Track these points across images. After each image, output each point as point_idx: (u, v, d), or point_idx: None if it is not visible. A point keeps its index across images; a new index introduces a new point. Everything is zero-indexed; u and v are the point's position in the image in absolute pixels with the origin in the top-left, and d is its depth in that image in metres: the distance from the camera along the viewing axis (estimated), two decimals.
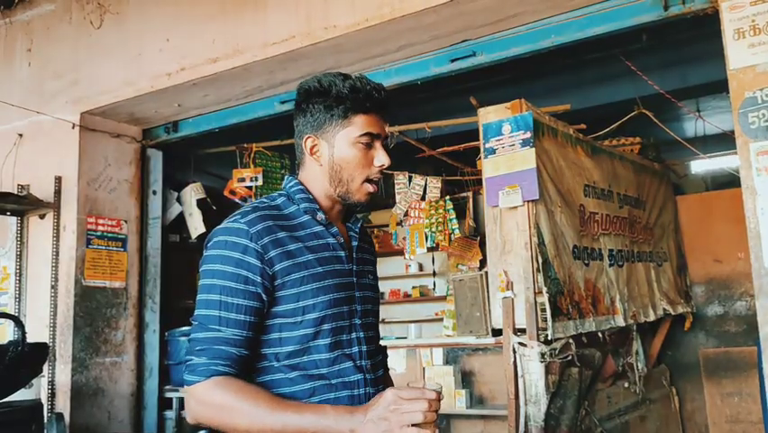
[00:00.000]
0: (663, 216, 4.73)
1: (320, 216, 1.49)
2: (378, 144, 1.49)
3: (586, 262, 3.63)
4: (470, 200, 5.30)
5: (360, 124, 1.47)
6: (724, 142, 4.76)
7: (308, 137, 1.50)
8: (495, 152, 3.24)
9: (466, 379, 3.92)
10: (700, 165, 6.21)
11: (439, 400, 1.28)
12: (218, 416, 1.32)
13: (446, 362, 3.96)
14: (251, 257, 1.37)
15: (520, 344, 3.15)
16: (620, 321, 3.78)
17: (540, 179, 3.20)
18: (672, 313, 4.44)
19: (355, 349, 1.45)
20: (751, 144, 2.35)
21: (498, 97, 3.32)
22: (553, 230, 3.35)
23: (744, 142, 2.37)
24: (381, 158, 1.49)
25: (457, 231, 4.87)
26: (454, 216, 4.89)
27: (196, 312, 1.37)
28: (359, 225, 1.57)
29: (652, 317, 4.18)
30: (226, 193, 4.68)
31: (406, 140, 4.65)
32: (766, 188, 2.30)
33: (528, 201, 3.16)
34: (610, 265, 3.86)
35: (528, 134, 3.13)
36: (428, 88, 3.81)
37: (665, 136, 4.68)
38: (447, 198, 4.95)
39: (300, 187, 1.50)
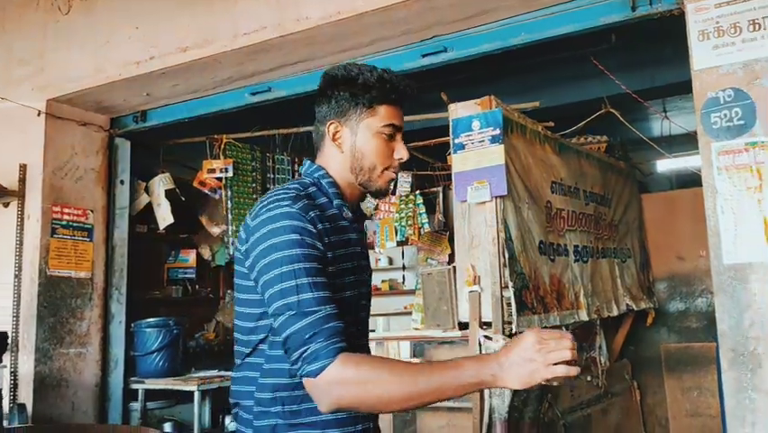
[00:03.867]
0: (628, 213, 4.82)
1: (347, 212, 1.49)
2: (398, 137, 1.51)
3: (552, 257, 3.68)
4: (441, 195, 5.34)
5: (384, 115, 1.48)
6: (689, 142, 4.86)
7: (332, 123, 1.50)
8: (464, 148, 3.26)
9: None
10: (666, 164, 6.34)
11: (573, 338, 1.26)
12: (361, 392, 1.27)
13: (413, 354, 3.99)
14: (317, 240, 1.36)
15: (486, 337, 3.19)
16: (584, 316, 3.85)
17: (508, 175, 3.24)
18: (635, 309, 4.53)
19: (355, 342, 1.46)
20: (713, 144, 2.41)
21: (469, 94, 3.34)
22: (521, 226, 3.40)
23: (706, 142, 2.42)
24: (401, 151, 1.51)
25: (427, 225, 4.91)
26: (424, 210, 4.93)
27: (284, 302, 1.31)
28: (364, 222, 1.60)
29: (615, 313, 4.26)
30: (196, 184, 4.64)
31: None
32: (726, 187, 2.36)
33: (496, 197, 3.20)
34: (575, 261, 3.92)
35: (497, 131, 3.17)
36: None
37: (632, 135, 4.76)
38: (417, 192, 4.98)
39: (330, 179, 1.50)
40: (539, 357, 1.22)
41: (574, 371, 1.23)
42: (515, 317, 3.19)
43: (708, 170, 2.40)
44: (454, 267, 3.51)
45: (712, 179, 2.38)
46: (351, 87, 1.48)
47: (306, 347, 1.27)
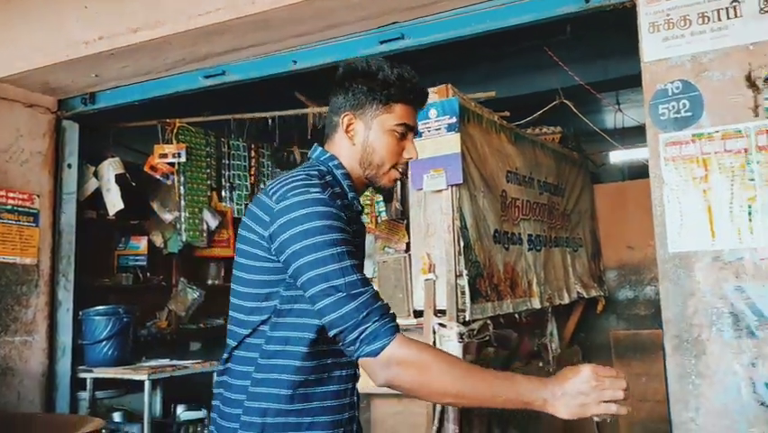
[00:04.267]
0: (581, 203, 4.91)
1: (357, 205, 1.53)
2: (410, 136, 1.53)
3: (506, 246, 3.73)
4: (398, 183, 5.33)
5: (399, 113, 1.50)
6: (641, 134, 4.94)
7: (346, 114, 1.51)
8: (421, 136, 3.27)
9: None
10: (618, 156, 6.46)
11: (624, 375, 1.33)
12: (418, 375, 1.30)
13: None
14: (347, 226, 1.39)
15: (440, 325, 3.21)
16: (536, 303, 3.91)
17: (464, 163, 3.26)
18: (586, 296, 4.63)
19: None
20: (660, 135, 2.45)
21: (428, 82, 3.32)
22: (476, 214, 3.43)
23: (654, 133, 2.47)
24: (411, 151, 1.53)
25: (384, 214, 4.90)
26: (381, 198, 4.91)
27: (330, 284, 1.32)
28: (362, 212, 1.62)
29: (566, 300, 4.35)
30: (147, 169, 4.52)
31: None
32: (673, 177, 2.41)
33: (452, 185, 3.22)
34: (529, 250, 3.98)
35: (454, 119, 3.18)
36: None
37: (586, 127, 4.84)
38: None
39: (344, 171, 1.51)
40: (593, 393, 1.28)
41: (624, 410, 1.29)
42: (468, 304, 3.23)
43: (656, 160, 2.44)
44: (410, 255, 3.52)
45: (659, 169, 2.43)
46: (369, 82, 1.50)
47: (363, 327, 1.30)
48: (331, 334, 1.34)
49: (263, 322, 1.43)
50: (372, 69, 1.50)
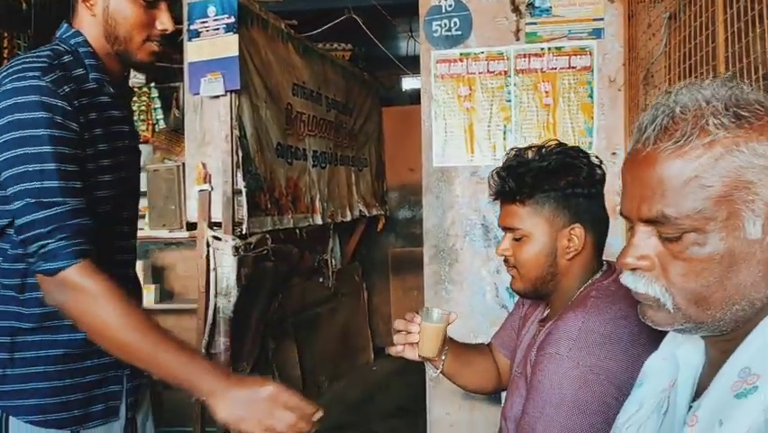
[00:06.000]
0: (368, 124, 4.99)
1: (108, 88, 1.32)
2: (162, 6, 1.33)
3: (289, 160, 3.67)
4: (182, 90, 4.98)
5: None
6: None
7: None
8: (199, 36, 3.05)
9: (158, 274, 3.78)
10: (410, 83, 6.65)
11: (311, 421, 1.18)
12: (85, 307, 1.16)
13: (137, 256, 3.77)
14: (71, 120, 1.20)
15: (215, 237, 3.11)
16: (318, 220, 3.94)
17: (245, 69, 3.10)
18: (368, 215, 4.77)
19: (118, 258, 1.40)
20: (432, 52, 2.51)
21: None
22: (257, 125, 3.31)
23: (426, 50, 2.52)
24: (165, 21, 1.33)
25: (162, 122, 4.57)
26: (159, 105, 4.56)
27: (25, 187, 1.15)
28: (131, 98, 1.43)
29: (349, 218, 4.44)
30: None
31: None
32: (441, 94, 2.49)
33: (231, 91, 3.06)
34: (313, 166, 3.96)
35: (232, 19, 2.99)
36: None
37: (380, 52, 4.86)
38: (152, 85, 4.57)
39: (89, 48, 1.31)
40: (261, 415, 1.16)
41: None
42: (246, 217, 3.15)
43: (427, 77, 2.51)
44: (184, 164, 3.33)
45: (429, 85, 2.50)
46: None
47: (44, 242, 1.16)
48: (18, 239, 1.20)
49: (9, 225, 1.25)
50: None
